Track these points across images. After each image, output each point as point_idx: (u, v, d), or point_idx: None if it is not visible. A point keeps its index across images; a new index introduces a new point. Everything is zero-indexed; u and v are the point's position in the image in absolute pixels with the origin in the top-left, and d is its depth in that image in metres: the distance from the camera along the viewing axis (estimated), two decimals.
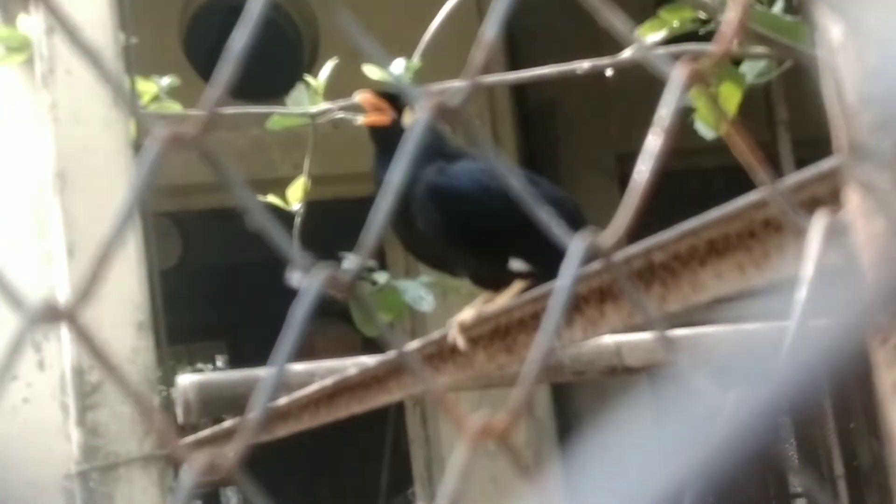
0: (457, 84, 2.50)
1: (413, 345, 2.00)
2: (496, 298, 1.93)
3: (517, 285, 1.93)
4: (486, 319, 1.77)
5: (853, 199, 0.51)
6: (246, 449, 0.46)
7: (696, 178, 6.06)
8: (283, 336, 0.49)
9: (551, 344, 0.48)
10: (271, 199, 2.72)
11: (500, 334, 1.74)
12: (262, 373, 2.68)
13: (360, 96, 2.13)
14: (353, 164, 4.34)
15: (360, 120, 2.16)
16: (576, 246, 0.53)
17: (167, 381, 3.94)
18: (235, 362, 8.96)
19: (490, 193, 1.94)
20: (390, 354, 1.97)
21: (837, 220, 0.57)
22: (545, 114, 5.77)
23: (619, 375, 2.60)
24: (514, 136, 5.64)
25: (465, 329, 1.82)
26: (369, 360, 2.21)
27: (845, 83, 0.50)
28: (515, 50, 5.20)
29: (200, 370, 9.40)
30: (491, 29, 0.51)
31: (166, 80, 2.87)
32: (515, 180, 0.56)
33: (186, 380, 2.67)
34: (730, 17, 0.53)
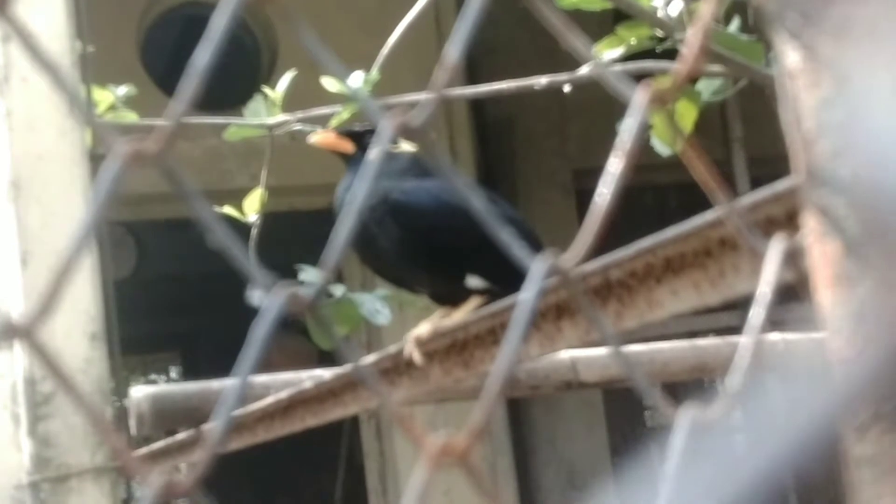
0: (415, 98, 2.50)
1: (369, 359, 2.00)
2: (453, 314, 1.93)
3: (474, 301, 1.94)
4: (443, 334, 1.77)
5: (810, 223, 0.52)
6: (204, 470, 0.46)
7: (651, 194, 6.09)
8: (243, 355, 0.48)
9: (510, 370, 0.48)
10: (227, 210, 2.70)
11: (456, 349, 1.74)
12: (217, 385, 2.67)
13: (319, 139, 2.17)
14: (310, 175, 4.33)
15: (314, 139, 2.19)
16: (537, 267, 0.53)
17: (120, 392, 3.91)
18: (189, 373, 8.92)
19: (449, 210, 1.95)
20: (346, 368, 1.97)
21: (794, 243, 0.58)
22: (503, 128, 5.79)
23: (574, 390, 2.61)
24: (471, 150, 5.65)
25: (421, 344, 1.82)
26: (325, 374, 2.21)
27: (803, 109, 0.51)
28: (474, 64, 5.21)
29: (154, 381, 9.34)
30: (454, 49, 0.52)
31: (123, 90, 2.85)
32: (476, 200, 0.57)
33: (140, 392, 2.65)
34: (691, 40, 0.53)
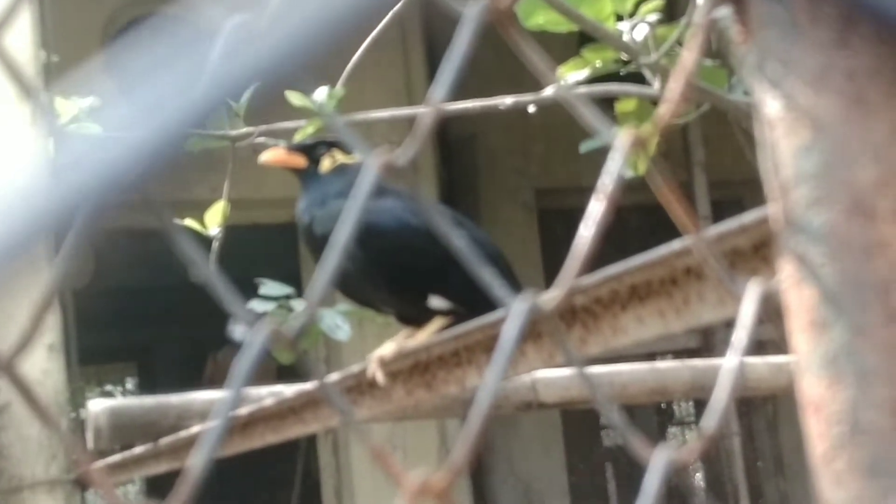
0: (381, 115, 2.50)
1: (332, 377, 1.99)
2: (417, 334, 1.93)
3: (438, 322, 1.94)
4: (406, 355, 1.78)
5: (787, 269, 0.52)
6: None
7: (611, 215, 6.12)
8: (225, 390, 0.49)
9: (490, 411, 0.49)
10: (189, 223, 2.69)
11: (419, 370, 1.75)
12: (176, 400, 2.65)
13: (269, 156, 2.16)
14: (272, 189, 4.33)
15: (264, 157, 2.18)
16: (518, 308, 0.54)
17: (76, 402, 3.88)
18: (146, 384, 8.87)
19: (410, 232, 1.96)
20: (309, 386, 1.96)
21: (770, 286, 0.59)
22: (466, 146, 5.81)
23: (534, 411, 2.61)
24: (434, 166, 5.66)
25: (384, 364, 1.82)
26: (286, 390, 2.20)
27: (782, 157, 0.52)
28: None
29: (110, 392, 9.28)
30: (439, 91, 0.52)
31: (87, 101, 2.83)
32: (457, 238, 0.57)
33: (98, 405, 2.63)
34: (673, 87, 0.54)
